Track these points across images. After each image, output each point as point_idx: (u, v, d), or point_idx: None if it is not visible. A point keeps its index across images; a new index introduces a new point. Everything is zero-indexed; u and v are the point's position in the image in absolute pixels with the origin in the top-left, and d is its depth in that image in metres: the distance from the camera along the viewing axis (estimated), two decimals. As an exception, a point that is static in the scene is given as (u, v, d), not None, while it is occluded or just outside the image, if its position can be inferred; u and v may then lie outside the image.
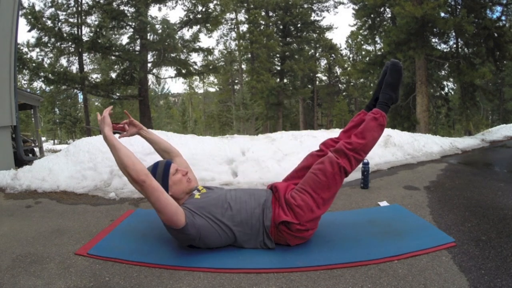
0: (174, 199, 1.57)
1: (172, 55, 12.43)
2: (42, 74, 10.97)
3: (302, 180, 1.60)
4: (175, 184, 1.58)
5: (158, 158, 1.89)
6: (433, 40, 10.69)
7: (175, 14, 75.49)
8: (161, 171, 1.59)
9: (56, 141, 30.93)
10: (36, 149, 7.85)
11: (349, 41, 26.49)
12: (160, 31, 11.42)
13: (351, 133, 1.73)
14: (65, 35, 11.18)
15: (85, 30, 11.90)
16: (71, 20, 11.60)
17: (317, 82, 27.92)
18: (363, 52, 21.75)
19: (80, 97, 15.71)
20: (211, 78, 27.89)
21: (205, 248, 1.53)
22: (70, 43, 11.58)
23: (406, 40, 9.56)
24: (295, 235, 1.52)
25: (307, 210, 1.50)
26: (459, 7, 9.62)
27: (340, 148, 1.61)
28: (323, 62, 27.07)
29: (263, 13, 21.07)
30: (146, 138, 1.90)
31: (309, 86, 25.44)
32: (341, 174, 1.58)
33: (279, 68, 22.71)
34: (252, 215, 1.53)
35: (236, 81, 25.72)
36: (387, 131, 4.54)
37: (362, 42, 16.02)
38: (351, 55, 28.10)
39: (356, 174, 3.04)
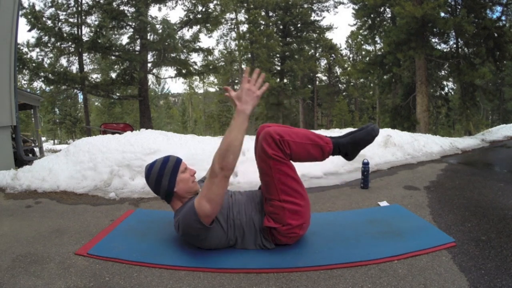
0: (178, 196, 1.58)
1: (172, 55, 12.42)
2: (42, 74, 10.95)
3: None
4: (182, 181, 1.58)
5: (164, 152, 1.87)
6: (433, 40, 10.69)
7: (175, 14, 75.53)
8: (172, 165, 1.59)
9: (56, 141, 30.93)
10: (36, 149, 7.86)
11: (349, 41, 26.53)
12: (160, 31, 11.41)
13: None
14: (65, 35, 11.16)
15: (85, 30, 11.89)
16: (71, 20, 11.58)
17: (317, 82, 27.93)
18: (363, 52, 21.79)
19: (80, 97, 15.71)
20: (211, 78, 27.87)
21: (205, 248, 1.53)
22: (70, 43, 11.56)
23: (406, 40, 9.55)
24: (287, 235, 1.52)
25: (280, 211, 1.48)
26: (459, 7, 9.61)
27: (267, 132, 1.46)
28: (323, 62, 27.10)
29: (263, 13, 21.06)
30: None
31: (309, 86, 25.45)
32: (280, 162, 1.45)
33: (279, 68, 22.70)
34: (250, 218, 1.54)
35: (236, 81, 25.72)
36: (387, 131, 4.54)
37: (362, 42, 16.01)
38: (351, 55, 28.14)
39: (356, 174, 3.04)
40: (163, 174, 1.56)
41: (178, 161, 1.63)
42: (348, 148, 1.61)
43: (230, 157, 1.34)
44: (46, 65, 11.31)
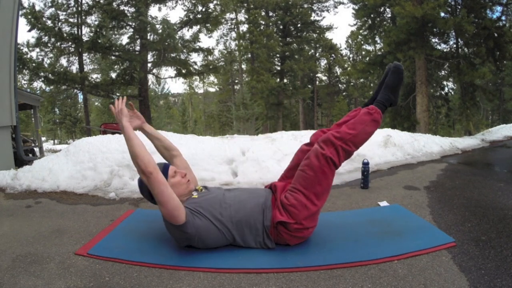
0: None
1: (172, 55, 12.43)
2: (42, 74, 10.98)
3: (294, 179, 1.60)
4: (174, 186, 1.57)
5: (159, 157, 1.87)
6: (433, 40, 10.69)
7: (175, 14, 75.58)
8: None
9: (56, 141, 30.94)
10: (36, 149, 7.86)
11: (349, 41, 26.51)
12: (160, 31, 11.42)
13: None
14: (65, 35, 11.18)
15: (85, 30, 11.92)
16: (71, 20, 11.60)
17: (317, 82, 27.93)
18: (363, 52, 21.77)
19: (80, 97, 15.73)
20: (211, 78, 27.89)
21: (204, 248, 1.53)
22: (70, 43, 11.58)
23: (406, 40, 9.56)
24: (293, 234, 1.52)
25: (302, 208, 1.50)
26: (459, 7, 9.61)
27: (327, 137, 1.57)
28: (323, 62, 27.10)
29: (263, 13, 21.06)
30: (148, 134, 1.87)
31: (309, 86, 25.45)
32: (329, 166, 1.53)
33: (279, 68, 22.71)
34: (251, 215, 1.53)
35: (236, 81, 25.72)
36: (387, 131, 4.54)
37: (362, 42, 15.99)
38: (351, 55, 28.13)
39: (356, 174, 3.04)
40: None
41: (166, 167, 1.61)
42: (390, 97, 1.72)
43: (138, 161, 1.44)
44: (46, 65, 11.33)
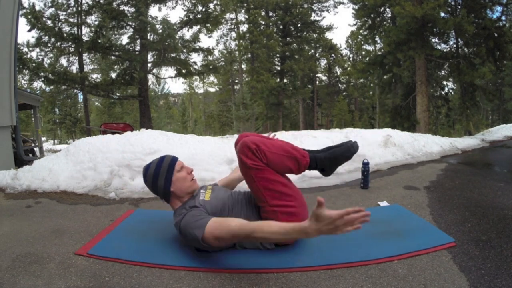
0: (176, 195, 1.58)
1: (172, 55, 12.43)
2: (42, 74, 10.97)
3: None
4: (178, 180, 1.57)
5: (160, 153, 1.85)
6: (433, 40, 10.71)
7: (175, 14, 75.68)
8: (167, 165, 1.58)
9: (56, 141, 30.96)
10: (36, 149, 7.86)
11: (349, 41, 26.57)
12: (160, 31, 11.41)
13: None
14: (65, 35, 11.17)
15: (85, 30, 11.91)
16: (71, 20, 11.60)
17: (317, 82, 27.96)
18: (363, 52, 21.81)
19: (80, 97, 15.74)
20: (211, 78, 27.90)
21: (209, 250, 1.53)
22: (70, 43, 11.57)
23: (406, 40, 9.57)
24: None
25: (273, 215, 1.46)
26: (459, 7, 9.62)
27: (243, 142, 1.46)
28: (323, 62, 27.15)
29: (263, 13, 21.08)
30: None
31: (309, 86, 25.47)
32: (258, 170, 1.45)
33: (279, 68, 22.73)
34: (248, 219, 1.53)
35: (236, 81, 25.74)
36: (387, 131, 4.54)
37: (362, 42, 16.00)
38: (351, 55, 28.17)
39: (356, 174, 3.04)
40: (159, 174, 1.56)
41: (174, 160, 1.62)
42: (325, 163, 1.61)
43: (242, 238, 1.34)
44: (46, 65, 11.32)
